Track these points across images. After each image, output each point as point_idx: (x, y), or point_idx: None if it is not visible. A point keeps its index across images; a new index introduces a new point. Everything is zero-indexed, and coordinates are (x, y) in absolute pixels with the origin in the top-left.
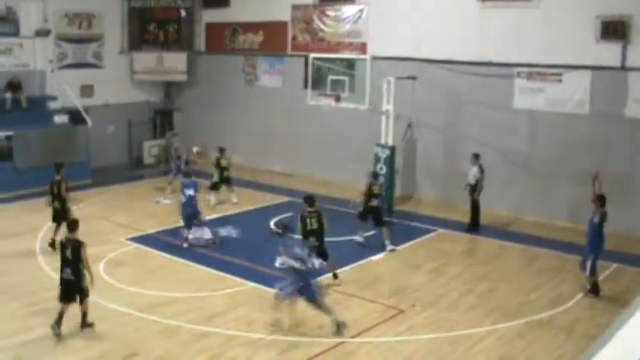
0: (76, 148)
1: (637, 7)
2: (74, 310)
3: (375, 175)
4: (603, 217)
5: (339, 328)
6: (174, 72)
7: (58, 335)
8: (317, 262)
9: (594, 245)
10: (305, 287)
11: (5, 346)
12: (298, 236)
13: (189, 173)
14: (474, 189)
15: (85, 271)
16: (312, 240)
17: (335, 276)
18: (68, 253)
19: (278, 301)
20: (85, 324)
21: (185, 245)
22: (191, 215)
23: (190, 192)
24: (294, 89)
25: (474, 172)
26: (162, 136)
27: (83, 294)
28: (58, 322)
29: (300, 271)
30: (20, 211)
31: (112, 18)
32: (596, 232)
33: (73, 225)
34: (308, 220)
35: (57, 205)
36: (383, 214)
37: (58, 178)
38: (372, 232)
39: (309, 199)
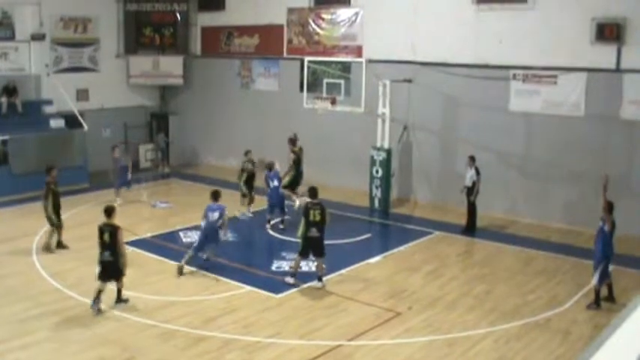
0: (72, 152)
1: (632, 10)
2: (68, 313)
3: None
4: (614, 225)
5: (180, 271)
6: (169, 76)
7: (99, 311)
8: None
9: (604, 253)
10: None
11: (3, 350)
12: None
13: (272, 164)
14: (471, 191)
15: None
16: (314, 230)
17: (319, 279)
18: (106, 237)
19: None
20: (120, 299)
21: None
22: (277, 203)
23: (275, 183)
24: (289, 92)
25: (470, 174)
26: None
27: (120, 274)
28: (97, 299)
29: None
30: (16, 215)
31: (108, 22)
32: (607, 240)
33: (109, 211)
34: (311, 212)
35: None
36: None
37: (47, 180)
38: (368, 235)
39: (313, 191)
